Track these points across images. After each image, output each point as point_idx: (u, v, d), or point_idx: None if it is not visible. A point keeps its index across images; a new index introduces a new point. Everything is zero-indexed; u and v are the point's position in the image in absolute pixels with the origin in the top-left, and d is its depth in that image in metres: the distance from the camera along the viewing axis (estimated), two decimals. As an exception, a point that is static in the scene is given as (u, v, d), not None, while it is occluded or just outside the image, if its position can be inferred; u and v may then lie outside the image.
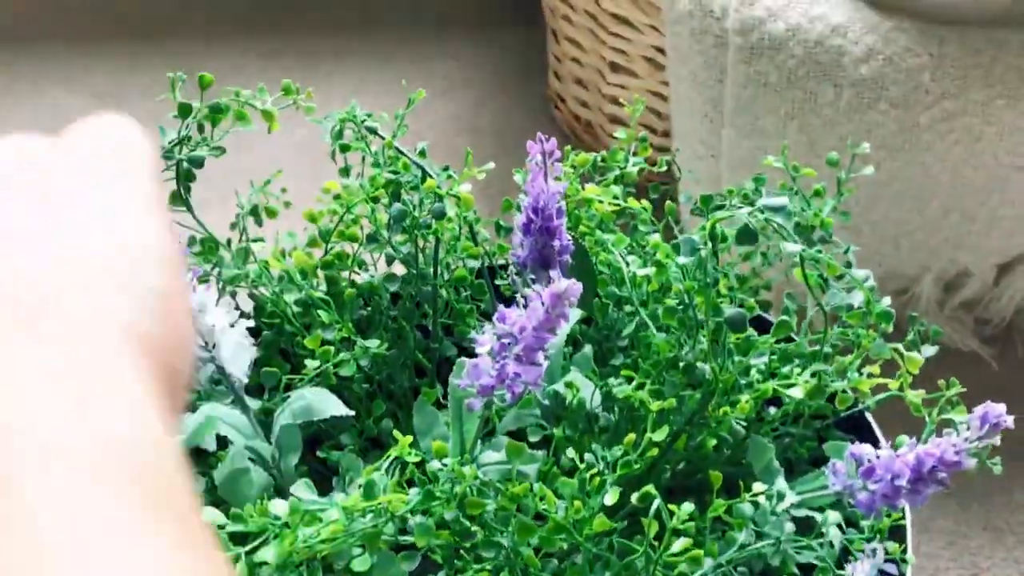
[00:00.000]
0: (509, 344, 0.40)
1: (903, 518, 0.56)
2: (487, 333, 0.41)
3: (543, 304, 0.39)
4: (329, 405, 0.49)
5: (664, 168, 0.66)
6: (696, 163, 0.80)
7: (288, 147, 1.06)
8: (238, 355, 0.45)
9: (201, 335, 0.44)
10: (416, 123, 0.58)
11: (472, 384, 0.41)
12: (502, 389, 0.40)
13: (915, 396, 0.53)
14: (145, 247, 0.22)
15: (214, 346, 0.45)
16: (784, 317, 0.45)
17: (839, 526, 0.52)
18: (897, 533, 0.56)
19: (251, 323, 0.47)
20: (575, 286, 0.38)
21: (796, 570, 0.51)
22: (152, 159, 0.25)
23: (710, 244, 0.46)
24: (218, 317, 0.45)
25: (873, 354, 0.44)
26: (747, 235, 0.44)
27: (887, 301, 0.44)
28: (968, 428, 0.48)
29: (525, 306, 0.39)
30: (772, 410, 0.61)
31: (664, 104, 0.92)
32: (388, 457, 0.42)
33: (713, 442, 0.52)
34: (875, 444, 0.51)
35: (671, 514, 0.41)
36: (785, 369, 0.55)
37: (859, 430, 0.61)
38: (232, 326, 0.46)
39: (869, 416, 0.61)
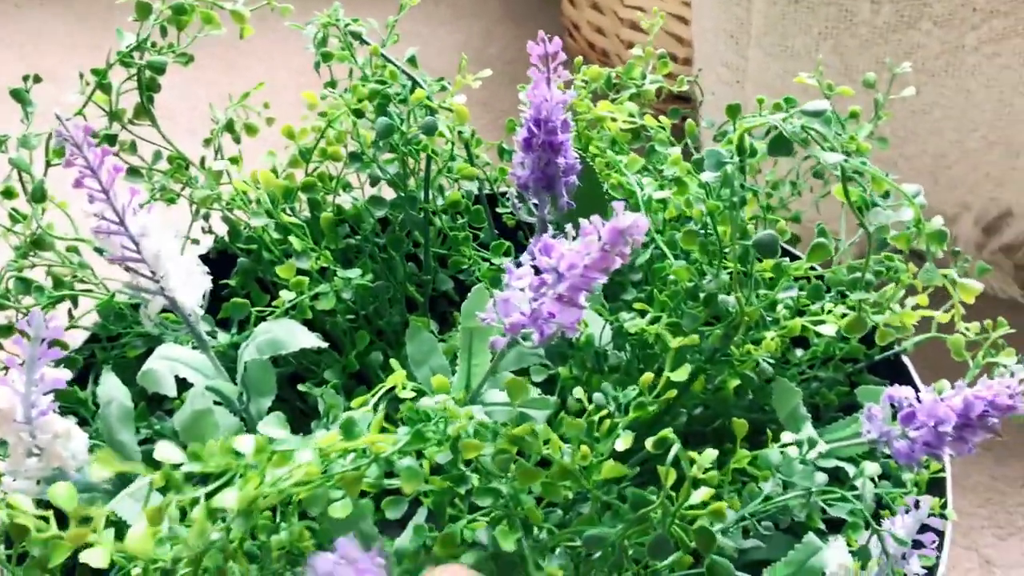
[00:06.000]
0: (550, 281, 0.34)
1: (942, 470, 0.51)
2: (524, 265, 0.35)
3: (600, 239, 0.33)
4: (298, 337, 0.44)
5: (684, 87, 0.59)
6: (719, 89, 0.74)
7: (278, 74, 1.00)
8: (189, 284, 0.40)
9: (146, 263, 0.38)
10: (419, 54, 0.52)
11: (499, 320, 0.35)
12: (530, 329, 0.35)
13: (957, 338, 0.48)
14: None
15: (163, 276, 0.40)
16: (821, 239, 0.39)
17: (871, 479, 0.47)
18: (935, 487, 0.51)
19: (204, 250, 0.41)
20: (641, 221, 0.32)
21: (823, 526, 0.47)
22: None
23: (737, 158, 0.40)
24: (164, 242, 0.39)
25: (923, 280, 0.38)
26: (781, 144, 0.38)
27: (939, 220, 0.38)
28: (1012, 373, 0.43)
29: (573, 237, 0.34)
30: (799, 352, 0.56)
31: (686, 28, 0.85)
32: (377, 391, 0.37)
33: (735, 383, 0.47)
34: (913, 389, 0.46)
35: (691, 462, 0.35)
36: (815, 306, 0.49)
37: (894, 375, 0.56)
38: (182, 252, 0.40)
39: (906, 359, 0.56)
